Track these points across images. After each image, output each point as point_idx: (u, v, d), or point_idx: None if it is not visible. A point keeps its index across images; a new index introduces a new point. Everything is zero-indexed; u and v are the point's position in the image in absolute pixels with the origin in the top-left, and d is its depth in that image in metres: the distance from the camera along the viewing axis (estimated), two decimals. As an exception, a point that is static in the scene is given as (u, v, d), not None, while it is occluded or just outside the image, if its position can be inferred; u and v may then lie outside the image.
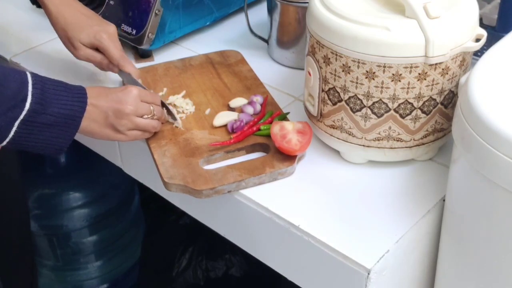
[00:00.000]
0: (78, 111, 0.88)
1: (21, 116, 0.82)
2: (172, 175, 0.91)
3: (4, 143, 0.84)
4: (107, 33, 1.04)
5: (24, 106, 0.82)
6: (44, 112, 0.84)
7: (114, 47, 1.04)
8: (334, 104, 0.90)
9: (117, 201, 1.65)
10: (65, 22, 1.04)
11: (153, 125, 0.96)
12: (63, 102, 0.86)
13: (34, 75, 0.86)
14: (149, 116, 0.95)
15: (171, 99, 1.06)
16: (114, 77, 1.13)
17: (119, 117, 0.92)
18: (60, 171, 1.61)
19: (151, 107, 0.95)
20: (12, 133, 0.83)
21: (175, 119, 1.00)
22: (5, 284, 1.26)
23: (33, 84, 0.84)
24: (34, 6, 1.20)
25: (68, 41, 1.05)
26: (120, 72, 1.06)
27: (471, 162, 0.72)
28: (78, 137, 1.17)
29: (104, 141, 1.11)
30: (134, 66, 1.06)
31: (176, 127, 1.00)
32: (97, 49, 1.05)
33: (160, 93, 1.08)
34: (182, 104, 1.05)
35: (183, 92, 1.08)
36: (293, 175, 0.93)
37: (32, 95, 0.83)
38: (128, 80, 1.04)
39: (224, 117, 1.01)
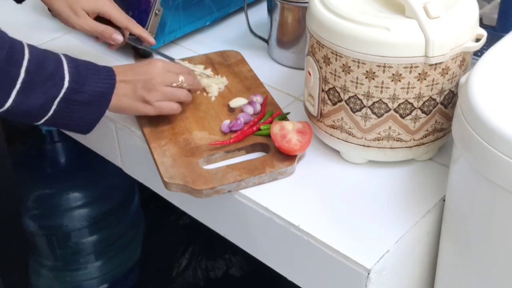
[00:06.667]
0: (109, 88, 0.91)
1: (61, 95, 0.86)
2: (172, 175, 0.91)
3: (43, 121, 0.87)
4: (108, 0, 1.06)
5: (63, 84, 0.86)
6: (80, 91, 0.87)
7: (119, 12, 1.06)
8: (334, 104, 0.90)
9: (117, 201, 1.65)
10: None
11: (182, 93, 0.98)
12: (95, 80, 0.90)
13: (66, 56, 0.89)
14: (178, 84, 0.97)
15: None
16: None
17: (148, 89, 0.94)
18: (60, 171, 1.61)
19: (180, 77, 0.97)
20: (51, 111, 0.86)
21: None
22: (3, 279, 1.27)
23: (68, 64, 0.87)
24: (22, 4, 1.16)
25: (69, 10, 1.03)
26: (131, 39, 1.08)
27: (471, 162, 0.72)
28: (79, 137, 1.17)
29: (104, 141, 1.12)
30: (142, 28, 1.07)
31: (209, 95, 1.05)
32: (98, 19, 1.05)
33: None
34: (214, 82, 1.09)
35: (209, 70, 1.11)
36: (293, 175, 0.93)
37: (69, 73, 0.87)
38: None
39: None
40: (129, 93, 0.93)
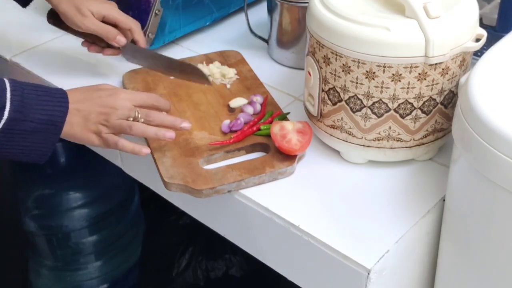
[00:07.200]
0: (59, 116, 0.85)
1: (0, 126, 0.80)
2: (172, 175, 0.91)
3: None
4: (114, 5, 1.08)
5: (2, 115, 0.80)
6: (25, 119, 0.82)
7: (123, 15, 1.07)
8: (334, 104, 0.90)
9: (117, 201, 1.64)
10: None
11: (134, 127, 0.89)
12: (44, 107, 0.84)
13: (12, 82, 0.83)
14: (134, 118, 0.90)
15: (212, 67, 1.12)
16: (116, 72, 1.13)
17: (100, 121, 0.88)
18: (60, 171, 1.61)
19: (136, 111, 0.90)
20: None
21: (203, 77, 1.04)
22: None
23: (11, 91, 0.82)
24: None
25: (75, 10, 1.04)
26: (124, 49, 1.08)
27: (471, 162, 0.72)
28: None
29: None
30: (143, 36, 1.09)
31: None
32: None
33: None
34: (224, 72, 1.10)
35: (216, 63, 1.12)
36: (293, 175, 0.93)
37: (11, 102, 0.81)
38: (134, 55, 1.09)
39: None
40: (81, 122, 0.87)
